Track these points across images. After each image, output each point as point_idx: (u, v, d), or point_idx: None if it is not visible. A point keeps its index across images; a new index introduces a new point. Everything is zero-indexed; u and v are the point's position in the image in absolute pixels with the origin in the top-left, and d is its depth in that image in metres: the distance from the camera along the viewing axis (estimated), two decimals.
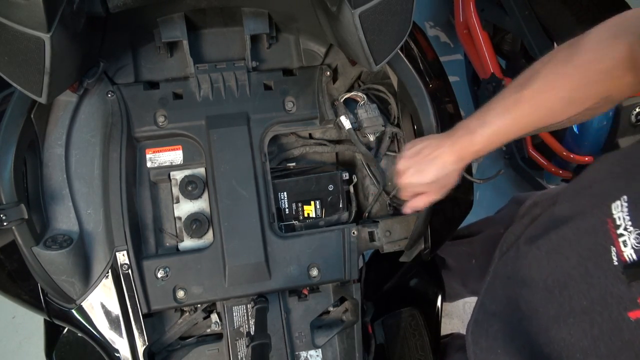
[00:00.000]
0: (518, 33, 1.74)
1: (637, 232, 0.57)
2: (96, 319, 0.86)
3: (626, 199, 0.59)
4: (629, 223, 0.57)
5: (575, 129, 1.59)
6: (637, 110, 1.51)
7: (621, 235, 0.58)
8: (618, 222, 0.59)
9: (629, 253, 0.58)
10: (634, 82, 0.60)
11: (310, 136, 1.05)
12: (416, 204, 0.81)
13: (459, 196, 1.10)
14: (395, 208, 1.02)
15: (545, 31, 1.63)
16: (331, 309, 1.01)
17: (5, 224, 0.75)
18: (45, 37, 0.66)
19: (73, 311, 0.87)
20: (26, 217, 0.77)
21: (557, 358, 0.65)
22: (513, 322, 0.75)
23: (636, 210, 0.58)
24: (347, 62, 1.01)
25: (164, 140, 0.93)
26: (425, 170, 0.75)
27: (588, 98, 0.63)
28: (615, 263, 0.59)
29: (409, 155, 0.78)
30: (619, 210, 0.60)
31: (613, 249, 0.60)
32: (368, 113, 0.98)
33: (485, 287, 0.86)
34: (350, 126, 0.97)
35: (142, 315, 0.86)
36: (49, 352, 0.99)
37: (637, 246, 0.58)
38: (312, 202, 0.97)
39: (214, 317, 0.95)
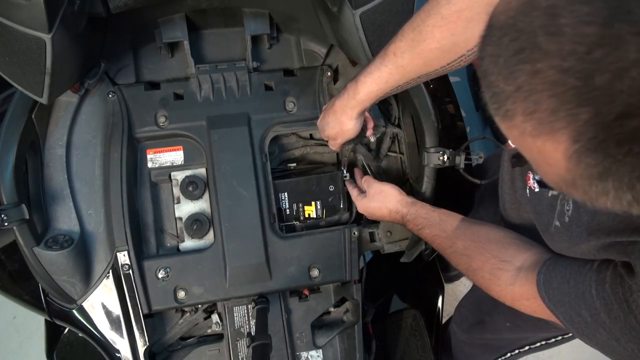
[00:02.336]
0: None
1: None
2: (97, 319, 0.87)
3: None
4: None
5: None
6: None
7: None
8: None
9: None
10: None
11: (311, 136, 1.05)
12: (330, 144, 0.93)
13: (460, 196, 1.10)
14: None
15: None
16: (332, 309, 1.01)
17: (6, 224, 0.75)
18: (47, 37, 0.66)
19: (74, 311, 0.87)
20: (27, 217, 0.77)
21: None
22: None
23: None
24: (348, 62, 1.01)
25: (165, 140, 0.93)
26: (326, 118, 0.86)
27: (459, 46, 0.64)
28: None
29: (325, 106, 0.89)
30: None
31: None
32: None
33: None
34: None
35: (143, 315, 0.86)
36: (49, 352, 0.99)
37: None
38: (313, 203, 0.97)
39: (215, 317, 0.95)
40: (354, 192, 0.94)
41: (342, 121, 0.83)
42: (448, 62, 0.67)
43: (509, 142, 0.81)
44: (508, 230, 0.75)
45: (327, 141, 0.92)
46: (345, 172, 0.99)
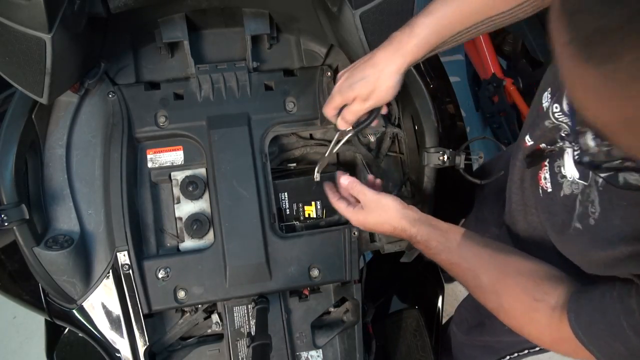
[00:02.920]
0: (519, 33, 1.74)
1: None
2: (97, 319, 0.87)
3: (550, 91, 0.66)
4: None
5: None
6: None
7: None
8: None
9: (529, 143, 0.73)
10: None
11: (311, 136, 1.05)
12: (349, 111, 0.76)
13: (460, 196, 1.10)
14: None
15: (547, 31, 1.63)
16: (332, 309, 1.01)
17: (6, 224, 0.75)
18: (47, 37, 0.66)
19: (74, 311, 0.87)
20: (27, 217, 0.77)
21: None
22: None
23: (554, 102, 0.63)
24: (348, 62, 1.01)
25: (165, 140, 0.93)
26: (360, 72, 0.71)
27: None
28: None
29: (349, 66, 0.76)
30: (546, 100, 0.67)
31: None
32: None
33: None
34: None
35: (143, 315, 0.86)
36: (49, 352, 0.99)
37: (529, 141, 0.73)
38: (313, 203, 0.97)
39: (215, 317, 0.95)
40: (341, 205, 0.82)
41: (385, 74, 0.68)
42: (515, 4, 0.63)
43: (525, 139, 0.75)
44: (538, 260, 0.67)
45: (346, 106, 0.76)
46: (334, 165, 0.99)
